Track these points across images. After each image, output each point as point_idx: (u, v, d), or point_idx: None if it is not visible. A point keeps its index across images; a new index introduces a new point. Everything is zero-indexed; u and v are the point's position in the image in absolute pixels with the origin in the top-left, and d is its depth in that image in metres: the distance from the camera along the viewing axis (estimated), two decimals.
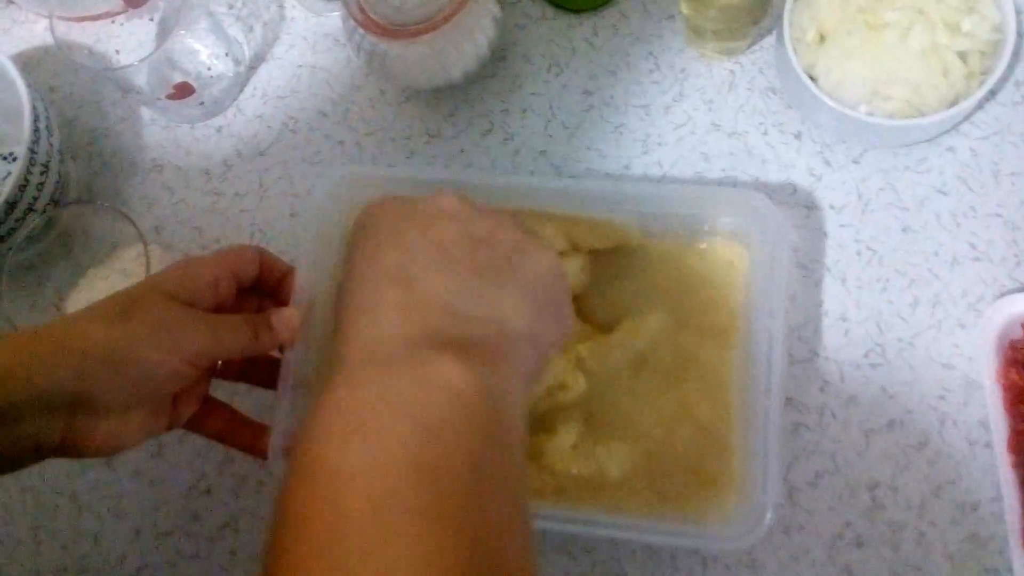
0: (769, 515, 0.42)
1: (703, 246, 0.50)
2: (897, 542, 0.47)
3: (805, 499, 0.48)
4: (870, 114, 0.50)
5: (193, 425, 0.45)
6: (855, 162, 0.54)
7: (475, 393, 0.31)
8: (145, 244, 0.51)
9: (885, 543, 0.47)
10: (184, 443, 0.55)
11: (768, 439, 0.43)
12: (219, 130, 0.61)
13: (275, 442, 0.45)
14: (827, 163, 0.54)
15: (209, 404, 0.45)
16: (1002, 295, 0.50)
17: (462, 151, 0.58)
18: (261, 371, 0.48)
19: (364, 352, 0.33)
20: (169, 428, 0.43)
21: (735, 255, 0.49)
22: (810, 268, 0.52)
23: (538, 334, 0.36)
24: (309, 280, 0.47)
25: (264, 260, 0.46)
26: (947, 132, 0.53)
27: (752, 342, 0.46)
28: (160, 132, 0.62)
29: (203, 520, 0.53)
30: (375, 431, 0.29)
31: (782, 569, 0.47)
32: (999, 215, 0.52)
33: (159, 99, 0.57)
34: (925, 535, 0.47)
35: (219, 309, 0.43)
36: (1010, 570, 0.45)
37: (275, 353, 0.47)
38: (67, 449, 0.39)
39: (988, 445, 0.48)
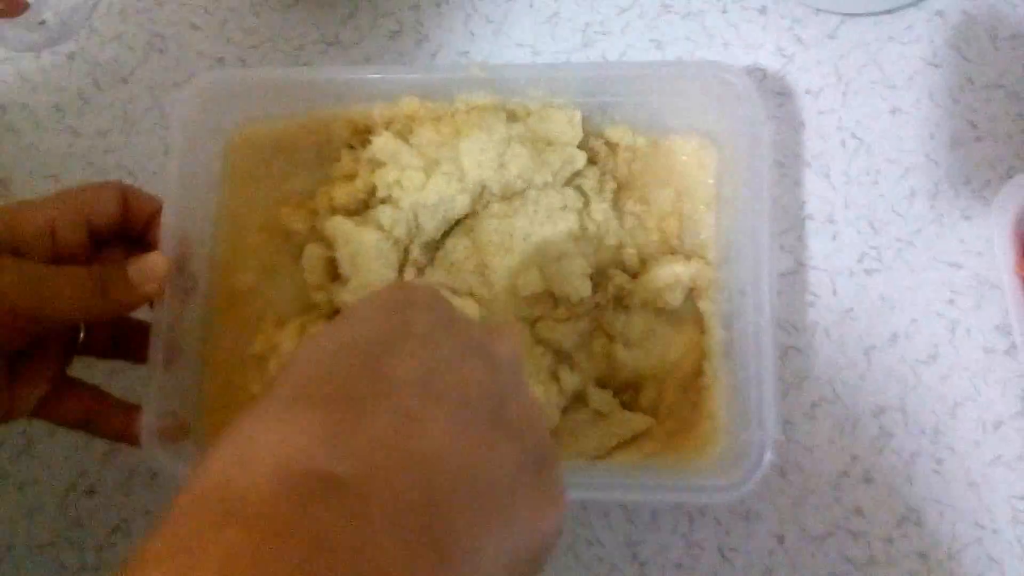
0: (768, 455, 0.34)
1: (663, 140, 0.41)
2: (912, 474, 0.40)
3: (802, 434, 0.41)
4: None
5: (45, 412, 0.37)
6: (831, 36, 0.46)
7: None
8: None
9: (898, 476, 0.40)
10: (57, 434, 0.46)
11: (761, 366, 0.35)
12: (71, 57, 0.51)
13: (148, 424, 0.36)
14: (799, 40, 0.46)
15: (65, 385, 0.37)
16: (1011, 177, 0.42)
17: (367, 59, 0.49)
18: (137, 341, 0.39)
19: None
20: (8, 418, 0.35)
21: (703, 148, 0.41)
22: (788, 164, 0.44)
23: None
24: (180, 217, 0.38)
25: (129, 199, 0.38)
26: None
27: (732, 254, 0.38)
28: None
29: (88, 526, 0.44)
30: None
31: (782, 517, 0.40)
32: (1000, 85, 0.45)
33: None
34: (944, 462, 0.40)
35: (65, 262, 0.35)
36: None
37: (147, 315, 0.38)
38: None
39: (1008, 352, 0.41)
